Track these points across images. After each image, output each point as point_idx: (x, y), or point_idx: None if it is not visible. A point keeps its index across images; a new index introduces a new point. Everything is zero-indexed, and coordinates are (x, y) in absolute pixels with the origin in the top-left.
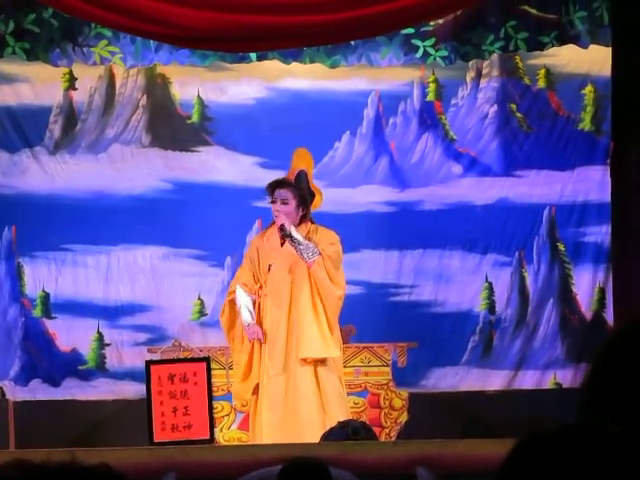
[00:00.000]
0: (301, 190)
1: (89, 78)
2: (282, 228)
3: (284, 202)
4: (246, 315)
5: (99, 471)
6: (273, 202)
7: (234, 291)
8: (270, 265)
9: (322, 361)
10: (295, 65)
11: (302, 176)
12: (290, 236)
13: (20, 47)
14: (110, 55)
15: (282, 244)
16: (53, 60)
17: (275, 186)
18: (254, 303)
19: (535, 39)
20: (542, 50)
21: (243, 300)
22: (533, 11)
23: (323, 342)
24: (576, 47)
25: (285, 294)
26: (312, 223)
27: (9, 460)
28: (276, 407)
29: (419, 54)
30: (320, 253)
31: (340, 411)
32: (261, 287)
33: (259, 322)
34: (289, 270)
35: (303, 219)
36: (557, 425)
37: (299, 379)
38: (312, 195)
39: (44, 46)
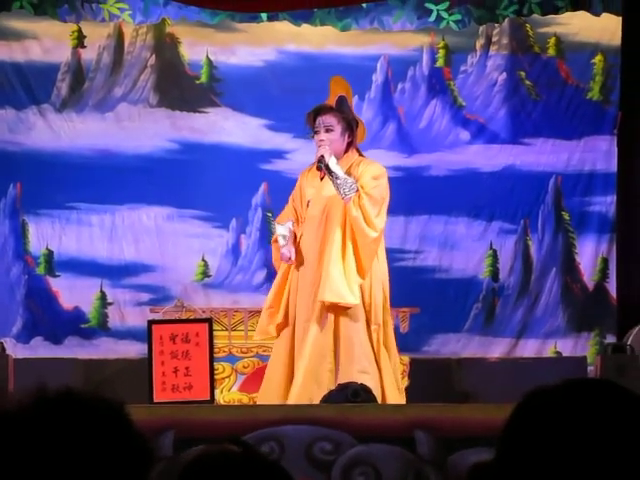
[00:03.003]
0: (346, 114)
1: (98, 36)
2: (320, 159)
3: (328, 129)
4: (280, 241)
5: (96, 401)
6: (316, 132)
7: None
8: (309, 201)
9: (345, 309)
10: (305, 28)
11: (343, 101)
12: (328, 168)
13: (28, 2)
14: (119, 12)
15: (322, 178)
16: (61, 16)
17: (317, 113)
18: (294, 234)
19: (549, 3)
20: (556, 14)
21: (278, 230)
22: None
23: (346, 287)
24: (587, 15)
25: (318, 232)
26: (359, 154)
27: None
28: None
29: (432, 18)
30: (358, 190)
31: (356, 368)
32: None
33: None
34: (324, 207)
35: (349, 147)
36: (559, 380)
37: (316, 325)
38: (356, 123)
39: (52, 1)
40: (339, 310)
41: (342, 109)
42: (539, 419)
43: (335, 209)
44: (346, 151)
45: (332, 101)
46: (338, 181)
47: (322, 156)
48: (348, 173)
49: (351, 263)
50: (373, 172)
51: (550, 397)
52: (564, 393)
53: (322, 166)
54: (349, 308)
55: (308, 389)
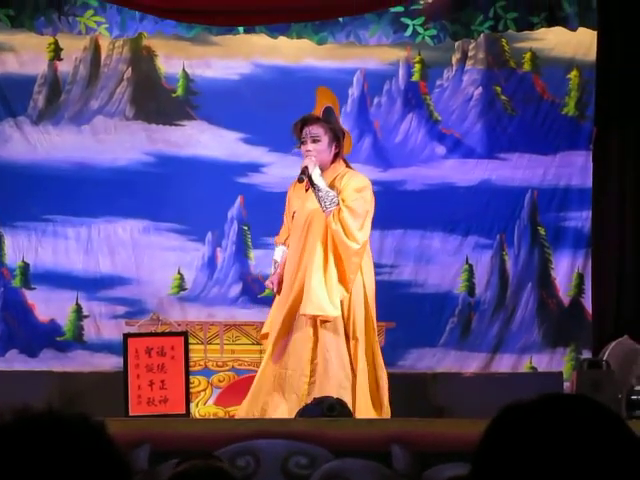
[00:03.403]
0: (332, 125)
1: (74, 49)
2: (304, 170)
3: (315, 139)
4: (272, 267)
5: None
6: (303, 142)
7: None
8: (294, 212)
9: (325, 322)
10: (281, 41)
11: (330, 111)
12: (310, 180)
13: (5, 14)
14: (96, 25)
15: (307, 190)
16: (38, 28)
17: (303, 123)
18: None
19: (524, 19)
20: (531, 30)
21: (274, 254)
22: None
23: (327, 299)
24: (562, 30)
25: (299, 244)
26: (347, 165)
27: None
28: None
29: (408, 32)
30: (338, 203)
31: (333, 382)
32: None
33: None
34: (306, 218)
35: (335, 158)
36: (535, 395)
37: (296, 337)
38: (342, 133)
39: (29, 13)
40: (319, 322)
41: (329, 119)
42: (514, 434)
43: (317, 221)
44: (333, 162)
45: (318, 111)
46: (320, 194)
47: (306, 167)
48: (332, 185)
49: (333, 275)
50: (356, 185)
51: (525, 412)
52: (539, 408)
53: (304, 177)
54: (329, 321)
55: (288, 402)
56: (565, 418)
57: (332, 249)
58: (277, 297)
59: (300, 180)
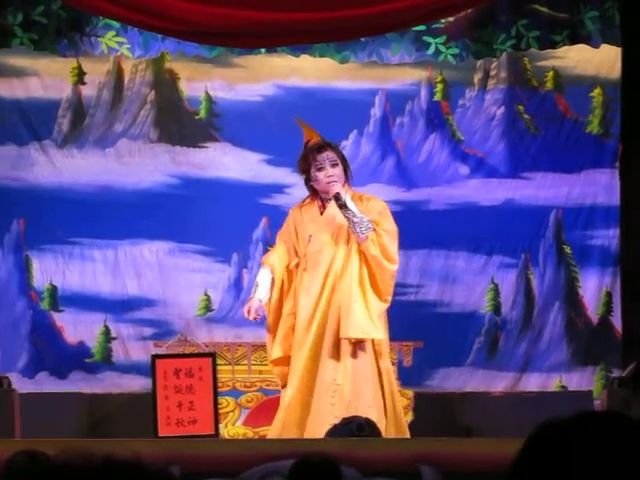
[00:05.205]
0: (342, 152)
1: (97, 73)
2: (337, 197)
3: (334, 164)
4: (252, 290)
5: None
6: (320, 169)
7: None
8: (310, 236)
9: (360, 343)
10: (303, 61)
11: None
12: (345, 207)
13: (28, 38)
14: (118, 46)
15: (322, 213)
16: (61, 51)
17: (319, 150)
18: (272, 280)
19: (547, 38)
20: (554, 48)
21: (259, 277)
22: (544, 10)
23: (369, 322)
24: (585, 48)
25: (322, 268)
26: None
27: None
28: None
29: (430, 51)
30: (374, 228)
31: (362, 401)
32: (298, 263)
33: (295, 299)
34: (330, 240)
35: (345, 184)
36: (569, 413)
37: (330, 361)
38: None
39: (51, 37)
40: (352, 344)
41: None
42: (552, 452)
43: (344, 242)
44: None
45: (317, 139)
46: (355, 220)
47: (338, 193)
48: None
49: (371, 297)
50: (379, 207)
51: (562, 430)
52: (576, 426)
53: (339, 204)
54: (361, 342)
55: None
56: (603, 436)
57: (367, 270)
58: (280, 322)
59: (342, 207)
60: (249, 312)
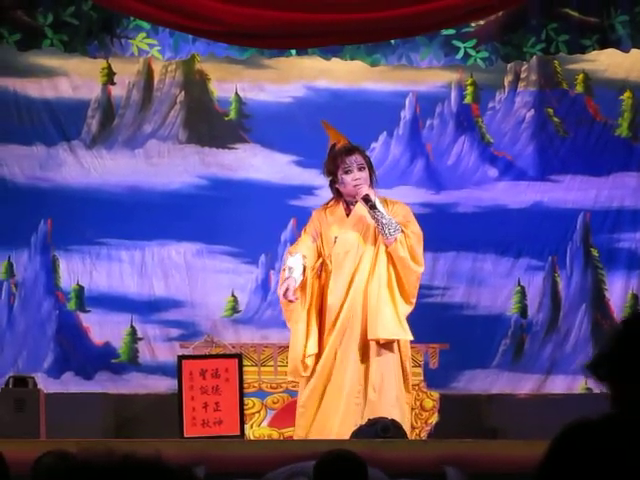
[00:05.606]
0: (369, 157)
1: (127, 73)
2: (367, 198)
3: (361, 168)
4: (286, 272)
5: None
6: (347, 172)
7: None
8: (336, 237)
9: (387, 344)
10: (333, 63)
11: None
12: (375, 207)
13: (58, 39)
14: (148, 47)
15: (347, 214)
16: (91, 52)
17: (345, 154)
18: (304, 269)
19: (576, 42)
20: (583, 53)
21: (289, 262)
22: (574, 14)
23: (397, 323)
24: (615, 52)
25: (348, 269)
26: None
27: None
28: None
29: (459, 55)
30: (403, 230)
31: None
32: (323, 264)
33: (321, 297)
34: (357, 242)
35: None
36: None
37: (355, 362)
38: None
39: (82, 39)
40: (379, 345)
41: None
42: (579, 453)
43: (371, 244)
44: None
45: (344, 142)
46: (384, 221)
47: (368, 195)
48: None
49: (398, 298)
50: (404, 210)
51: (590, 431)
52: (603, 428)
53: (370, 206)
54: (390, 342)
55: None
56: (628, 437)
57: (394, 272)
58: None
59: (372, 208)
60: (286, 292)
